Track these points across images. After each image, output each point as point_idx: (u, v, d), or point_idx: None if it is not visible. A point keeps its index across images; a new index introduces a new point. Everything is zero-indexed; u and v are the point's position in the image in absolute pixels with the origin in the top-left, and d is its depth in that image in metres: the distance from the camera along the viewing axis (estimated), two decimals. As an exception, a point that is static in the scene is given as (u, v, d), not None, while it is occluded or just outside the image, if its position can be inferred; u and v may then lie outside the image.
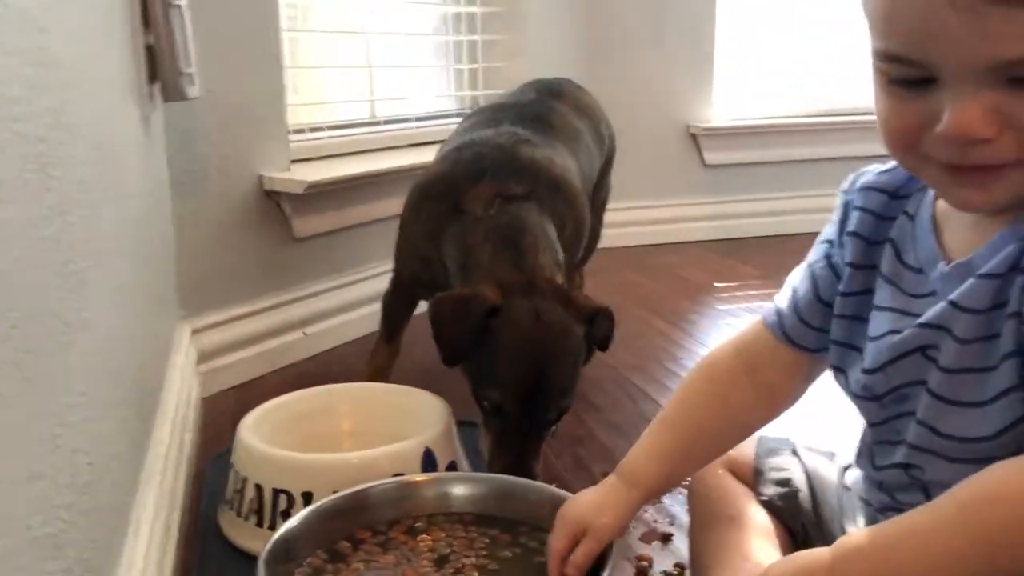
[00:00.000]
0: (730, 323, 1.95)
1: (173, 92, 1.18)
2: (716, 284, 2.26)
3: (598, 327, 1.17)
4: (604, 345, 1.19)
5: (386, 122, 2.07)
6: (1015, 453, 0.55)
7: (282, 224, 1.66)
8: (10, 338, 0.49)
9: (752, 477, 0.84)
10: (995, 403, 0.57)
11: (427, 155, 1.50)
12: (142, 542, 0.83)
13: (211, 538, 1.06)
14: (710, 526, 0.81)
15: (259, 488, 1.02)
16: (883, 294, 0.66)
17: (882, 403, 0.65)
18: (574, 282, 1.80)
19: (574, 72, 1.85)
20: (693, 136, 2.74)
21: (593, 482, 0.81)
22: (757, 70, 2.99)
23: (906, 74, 0.55)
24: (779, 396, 0.76)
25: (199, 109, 1.45)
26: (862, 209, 0.69)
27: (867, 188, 0.70)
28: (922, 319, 0.61)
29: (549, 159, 1.33)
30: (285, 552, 0.84)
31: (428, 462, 1.06)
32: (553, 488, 0.91)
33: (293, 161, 1.71)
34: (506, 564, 0.84)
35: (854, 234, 0.68)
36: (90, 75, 0.82)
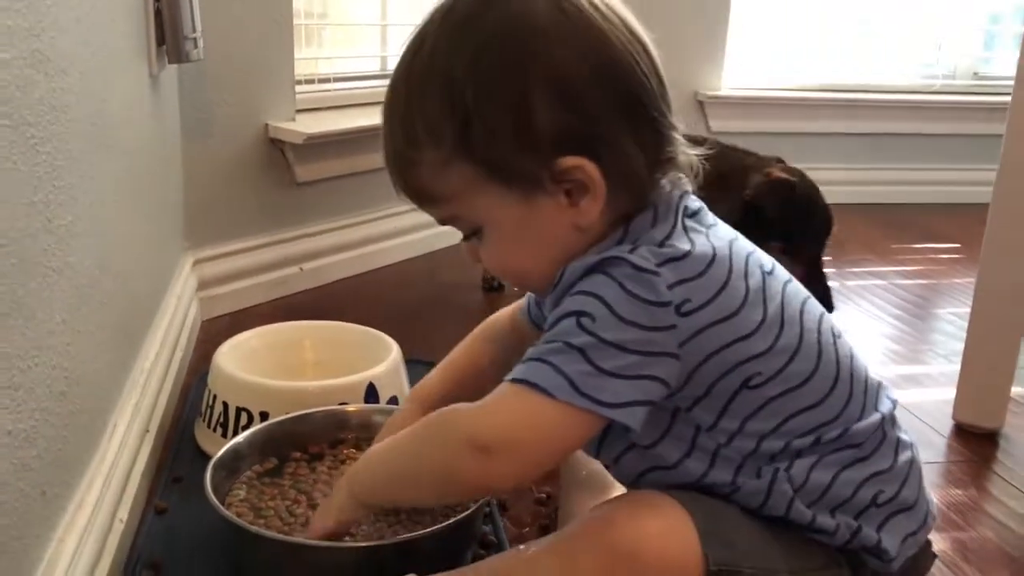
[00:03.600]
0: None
1: (176, 55, 1.34)
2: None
3: None
4: None
5: (394, 75, 2.20)
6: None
7: (285, 169, 1.83)
8: (-6, 285, 0.67)
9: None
10: None
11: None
12: (116, 440, 1.02)
13: (186, 442, 1.26)
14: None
15: (225, 405, 1.21)
16: None
17: None
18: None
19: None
20: (700, 104, 2.83)
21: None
22: (771, 40, 3.05)
23: None
24: None
25: (212, 62, 1.61)
26: None
27: None
28: None
29: None
30: (233, 459, 1.04)
31: (371, 394, 1.24)
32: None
33: (299, 111, 1.87)
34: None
35: None
36: (90, 49, 0.99)
